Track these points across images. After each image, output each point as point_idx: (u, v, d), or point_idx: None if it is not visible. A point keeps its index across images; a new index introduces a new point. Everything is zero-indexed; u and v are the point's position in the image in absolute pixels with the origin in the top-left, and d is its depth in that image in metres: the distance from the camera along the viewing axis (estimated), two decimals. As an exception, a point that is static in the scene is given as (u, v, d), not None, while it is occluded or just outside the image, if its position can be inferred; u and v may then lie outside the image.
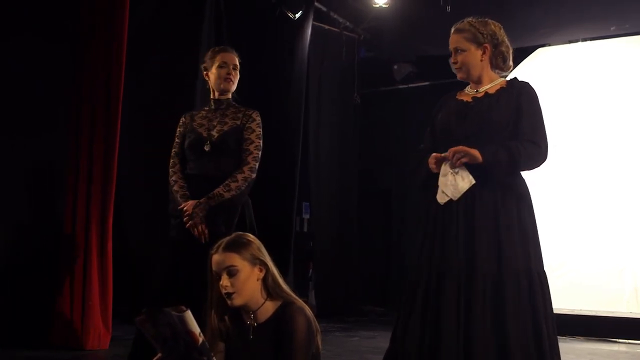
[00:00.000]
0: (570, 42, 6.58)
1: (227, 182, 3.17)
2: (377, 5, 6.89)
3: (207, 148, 3.22)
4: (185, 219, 3.11)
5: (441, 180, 2.64)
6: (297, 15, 6.37)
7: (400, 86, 7.97)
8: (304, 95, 6.58)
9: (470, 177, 2.59)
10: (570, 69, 6.46)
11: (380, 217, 8.22)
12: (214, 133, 3.25)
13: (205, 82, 3.46)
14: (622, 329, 5.75)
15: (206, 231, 3.07)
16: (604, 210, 6.00)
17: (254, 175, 3.22)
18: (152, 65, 5.31)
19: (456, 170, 2.60)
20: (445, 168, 2.64)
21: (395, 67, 7.83)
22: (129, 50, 4.54)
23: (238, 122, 3.29)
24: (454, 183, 2.60)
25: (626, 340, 5.71)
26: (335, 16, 7.34)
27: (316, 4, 6.79)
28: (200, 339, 2.07)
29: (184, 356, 2.09)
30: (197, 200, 3.13)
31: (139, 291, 4.83)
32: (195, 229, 3.08)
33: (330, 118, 7.36)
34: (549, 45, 6.62)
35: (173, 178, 3.28)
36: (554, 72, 6.37)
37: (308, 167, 6.95)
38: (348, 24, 7.52)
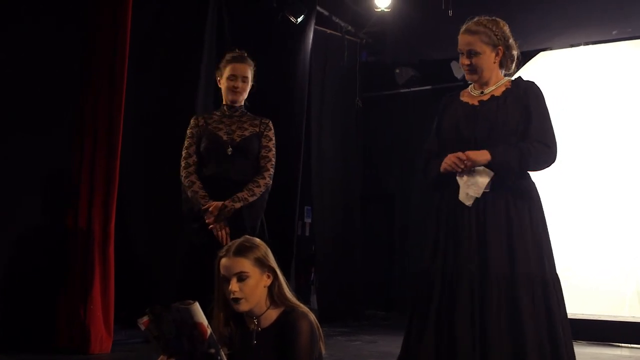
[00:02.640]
0: (572, 46, 6.57)
1: (250, 186, 3.22)
2: (379, 10, 6.89)
3: (229, 151, 3.26)
4: (208, 219, 3.12)
5: (460, 182, 2.62)
6: (299, 20, 6.37)
7: (402, 90, 7.96)
8: (306, 98, 6.58)
9: (487, 170, 2.58)
10: (572, 73, 6.46)
11: (382, 220, 8.21)
12: (236, 137, 3.32)
13: (217, 88, 3.50)
14: (625, 333, 5.74)
15: (229, 233, 3.08)
16: (607, 215, 6.00)
17: (271, 182, 3.32)
18: (155, 70, 5.31)
19: (472, 168, 2.60)
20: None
21: (397, 71, 7.83)
22: (131, 55, 4.55)
23: (257, 130, 3.38)
24: (474, 180, 2.59)
25: (629, 345, 5.69)
26: (337, 20, 7.35)
27: (318, 8, 6.78)
28: (209, 331, 2.07)
29: (188, 354, 2.08)
30: (221, 202, 3.14)
31: (141, 296, 4.83)
32: (219, 232, 3.10)
33: (332, 122, 7.35)
34: (551, 49, 6.62)
35: (190, 179, 3.29)
36: (556, 76, 6.36)
37: (310, 170, 6.94)
38: (350, 28, 7.52)
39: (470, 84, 2.82)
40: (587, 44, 6.51)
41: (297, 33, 6.52)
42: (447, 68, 7.27)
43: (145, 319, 2.08)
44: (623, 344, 5.71)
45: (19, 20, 4.32)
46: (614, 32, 6.28)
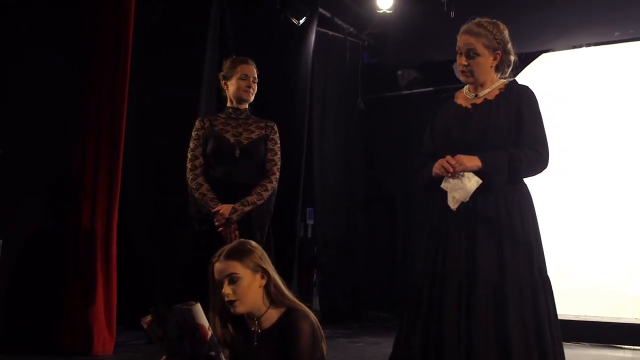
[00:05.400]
0: (574, 47, 6.57)
1: (258, 190, 3.24)
2: (381, 11, 6.90)
3: (237, 154, 3.28)
4: (219, 222, 3.13)
5: (447, 185, 2.61)
6: (301, 21, 6.38)
7: (404, 92, 7.97)
8: (308, 100, 6.59)
9: (476, 177, 2.56)
10: (574, 75, 6.46)
11: (384, 222, 8.21)
12: (243, 140, 3.33)
13: (221, 90, 3.52)
14: (627, 335, 5.73)
15: (238, 237, 3.09)
16: (609, 216, 5.99)
17: (277, 185, 3.35)
18: (157, 70, 5.32)
19: (461, 173, 2.58)
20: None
21: (399, 72, 7.83)
22: (133, 55, 4.56)
23: (263, 132, 3.40)
24: (462, 185, 2.56)
25: (631, 347, 5.68)
26: (339, 22, 7.36)
27: (320, 9, 6.80)
28: (210, 333, 2.08)
29: (189, 355, 2.09)
30: (231, 205, 3.15)
31: (144, 297, 4.84)
32: (230, 235, 3.10)
33: (334, 123, 7.36)
34: (553, 50, 6.62)
35: (197, 181, 3.30)
36: (558, 77, 6.36)
37: (312, 172, 6.95)
38: (352, 29, 7.53)
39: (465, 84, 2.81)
40: (589, 45, 6.50)
41: (299, 34, 6.53)
42: (449, 69, 7.26)
43: (148, 318, 2.09)
44: (625, 346, 5.70)
45: (20, 20, 4.33)
46: (616, 34, 6.28)
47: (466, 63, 2.68)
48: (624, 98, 6.18)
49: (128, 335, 4.68)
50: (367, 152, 7.96)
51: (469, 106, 2.72)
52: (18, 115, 4.30)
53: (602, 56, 6.41)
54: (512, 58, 2.75)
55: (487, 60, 2.68)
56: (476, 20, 2.72)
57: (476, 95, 2.73)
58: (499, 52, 2.69)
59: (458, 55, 2.72)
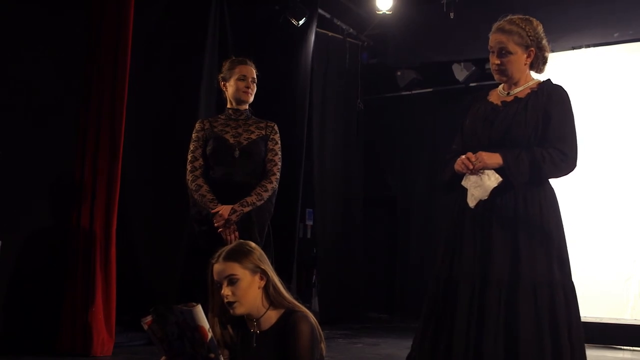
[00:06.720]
0: (573, 48, 6.57)
1: (257, 190, 3.23)
2: (381, 12, 6.90)
3: (236, 154, 3.27)
4: (218, 223, 3.12)
5: (467, 183, 2.57)
6: (301, 22, 6.38)
7: (404, 92, 7.97)
8: (307, 101, 6.59)
9: (496, 174, 2.52)
10: (573, 76, 6.45)
11: (384, 223, 8.21)
12: (242, 140, 3.32)
13: (221, 92, 3.51)
14: (627, 336, 5.73)
15: (238, 237, 3.09)
16: (609, 218, 5.99)
17: (277, 186, 3.34)
18: (157, 73, 5.31)
19: (481, 170, 2.54)
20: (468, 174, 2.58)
21: (399, 73, 7.84)
22: (133, 59, 4.56)
23: (263, 132, 3.39)
24: (481, 183, 2.52)
25: (631, 348, 5.69)
26: (339, 23, 7.36)
27: (320, 10, 6.80)
28: (209, 335, 2.08)
29: (190, 357, 2.09)
30: (230, 206, 3.15)
31: (143, 298, 4.83)
32: (229, 236, 3.10)
33: (333, 124, 7.36)
34: (552, 52, 6.60)
35: (197, 182, 3.29)
36: (557, 78, 6.33)
37: (312, 173, 6.95)
38: (351, 30, 7.54)
39: (500, 83, 2.76)
40: (588, 46, 6.50)
41: (298, 35, 6.53)
42: (449, 70, 7.28)
43: (148, 319, 2.09)
44: (625, 347, 5.71)
45: (21, 23, 4.33)
46: (615, 35, 6.28)
47: (498, 62, 2.64)
48: (624, 99, 6.18)
49: (127, 336, 4.67)
50: (367, 153, 7.96)
51: (500, 104, 2.67)
52: (18, 116, 4.30)
53: (601, 57, 6.41)
54: (547, 55, 2.70)
55: (520, 58, 2.63)
56: (508, 18, 2.66)
57: (508, 94, 2.69)
58: (532, 49, 2.64)
59: (490, 54, 2.67)
